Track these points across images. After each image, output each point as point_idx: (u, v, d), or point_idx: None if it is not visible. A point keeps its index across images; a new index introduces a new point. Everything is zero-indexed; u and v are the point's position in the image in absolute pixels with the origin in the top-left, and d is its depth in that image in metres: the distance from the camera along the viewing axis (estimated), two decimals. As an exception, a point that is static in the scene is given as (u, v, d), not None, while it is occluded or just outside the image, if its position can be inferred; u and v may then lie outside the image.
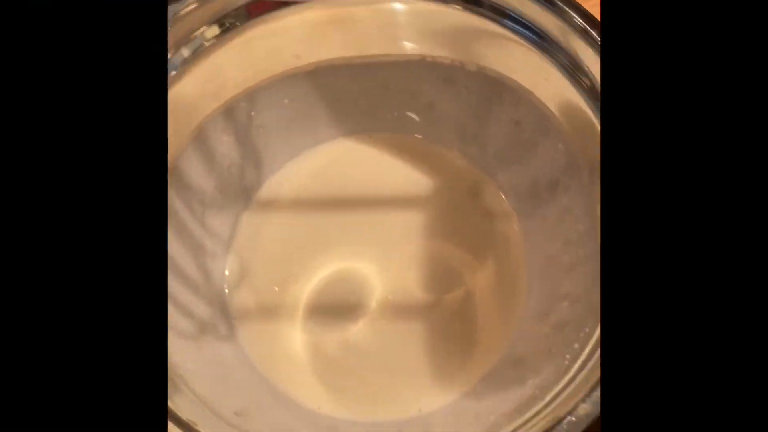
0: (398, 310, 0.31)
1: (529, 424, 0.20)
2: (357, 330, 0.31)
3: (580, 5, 0.25)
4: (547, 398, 0.21)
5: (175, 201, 0.29)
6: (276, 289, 0.32)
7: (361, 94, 0.33)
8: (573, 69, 0.26)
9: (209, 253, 0.32)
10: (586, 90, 0.26)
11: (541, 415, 0.20)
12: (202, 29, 0.28)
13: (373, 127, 0.34)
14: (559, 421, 0.19)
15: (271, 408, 0.29)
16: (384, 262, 0.32)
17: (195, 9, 0.27)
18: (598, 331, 0.22)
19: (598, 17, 0.25)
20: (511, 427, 0.21)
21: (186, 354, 0.26)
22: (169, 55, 0.27)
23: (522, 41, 0.27)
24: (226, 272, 0.32)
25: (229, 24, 0.28)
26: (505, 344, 0.30)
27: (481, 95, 0.31)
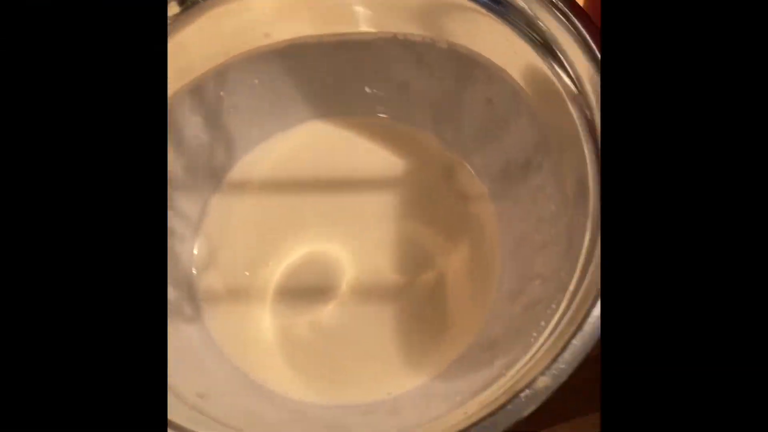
0: (369, 293, 0.31)
1: (489, 400, 0.20)
2: (327, 313, 0.30)
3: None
4: (509, 374, 0.21)
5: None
6: (245, 272, 0.32)
7: (333, 74, 0.33)
8: (542, 43, 0.25)
9: (178, 235, 0.31)
10: (555, 65, 0.25)
11: (501, 390, 0.20)
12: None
13: (346, 110, 0.34)
14: (517, 394, 0.19)
15: (235, 391, 0.28)
16: (356, 244, 0.32)
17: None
18: (563, 307, 0.22)
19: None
20: (472, 404, 0.21)
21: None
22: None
23: (491, 15, 0.26)
24: (195, 254, 0.32)
25: (190, 2, 0.28)
26: (478, 326, 0.29)
27: (453, 74, 0.31)
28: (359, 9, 0.30)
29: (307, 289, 0.31)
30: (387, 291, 0.31)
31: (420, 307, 0.30)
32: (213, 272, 0.32)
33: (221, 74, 0.31)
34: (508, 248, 0.30)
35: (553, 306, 0.23)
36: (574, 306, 0.21)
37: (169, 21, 0.28)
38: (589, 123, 0.23)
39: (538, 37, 0.26)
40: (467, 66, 0.30)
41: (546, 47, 0.26)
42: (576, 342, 0.19)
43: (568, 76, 0.24)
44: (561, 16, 0.25)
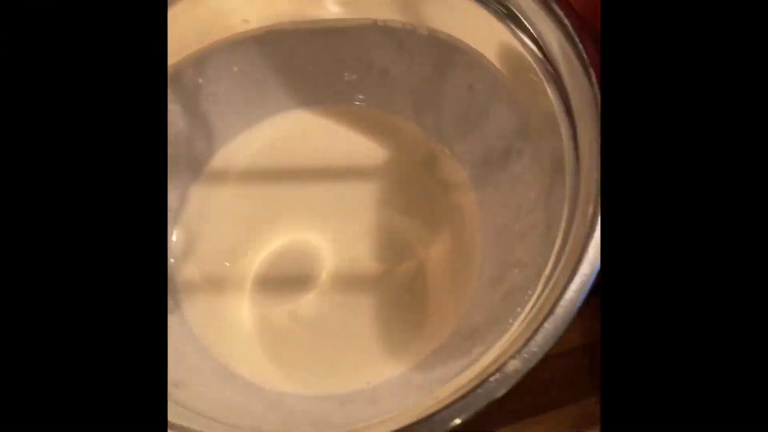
0: (349, 283, 0.31)
1: (460, 384, 0.20)
2: (306, 302, 0.30)
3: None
4: (482, 360, 0.20)
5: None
6: (224, 261, 0.31)
7: (313, 62, 0.32)
8: (518, 25, 0.25)
9: (156, 225, 0.31)
10: (532, 45, 0.25)
11: (473, 375, 0.20)
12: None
13: (327, 97, 0.33)
14: (487, 378, 0.18)
15: (211, 381, 0.28)
16: (336, 234, 0.32)
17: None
18: (538, 292, 0.21)
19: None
20: (444, 389, 0.20)
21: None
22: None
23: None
24: (173, 244, 0.31)
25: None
26: (458, 315, 0.29)
27: (433, 60, 0.30)
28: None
29: (286, 279, 0.31)
30: (367, 280, 0.31)
31: (400, 296, 0.30)
32: (191, 262, 0.31)
33: (199, 61, 0.30)
34: (488, 237, 0.30)
35: (530, 292, 0.23)
36: (547, 290, 0.21)
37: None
38: (566, 105, 0.23)
39: (514, 20, 0.25)
40: (447, 52, 0.29)
41: (522, 28, 0.25)
42: (548, 326, 0.19)
43: (545, 56, 0.24)
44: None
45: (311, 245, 0.31)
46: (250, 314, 0.30)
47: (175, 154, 0.32)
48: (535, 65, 0.25)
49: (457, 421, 0.18)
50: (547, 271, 0.22)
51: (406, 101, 0.32)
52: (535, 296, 0.21)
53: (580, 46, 0.22)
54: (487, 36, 0.27)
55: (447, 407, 0.19)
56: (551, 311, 0.19)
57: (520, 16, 0.25)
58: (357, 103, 0.33)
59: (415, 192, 0.32)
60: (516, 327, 0.21)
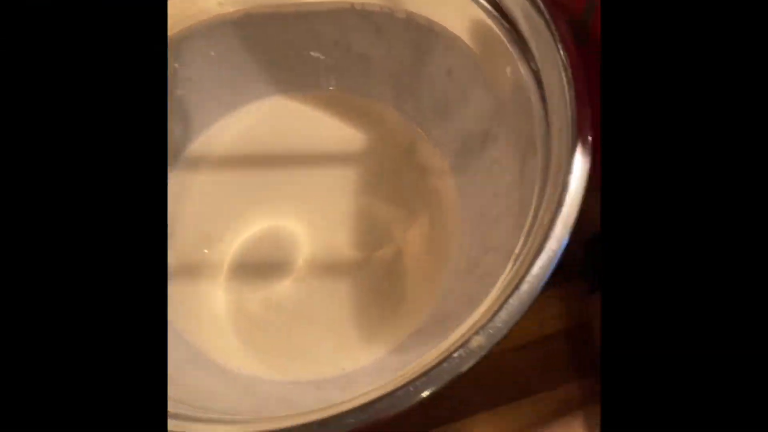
0: (326, 269, 0.30)
1: (426, 362, 0.19)
2: (282, 289, 0.30)
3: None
4: (451, 337, 0.20)
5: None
6: (200, 247, 0.31)
7: (291, 46, 0.32)
8: (491, 4, 0.25)
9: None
10: (509, 30, 0.25)
11: (439, 352, 0.19)
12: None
13: (305, 82, 0.33)
14: (450, 354, 0.18)
15: (185, 367, 0.27)
16: (314, 220, 0.31)
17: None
18: (507, 270, 0.21)
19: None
20: (411, 367, 0.20)
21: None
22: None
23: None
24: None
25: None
26: (435, 300, 0.29)
27: (412, 44, 0.30)
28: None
29: (262, 265, 0.31)
30: (344, 267, 0.30)
31: (377, 282, 0.30)
32: (168, 248, 0.31)
33: (174, 44, 0.30)
34: (467, 222, 0.30)
35: (501, 275, 0.22)
36: (515, 268, 0.20)
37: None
38: (537, 80, 0.23)
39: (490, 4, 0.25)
40: (425, 35, 0.29)
41: (493, 4, 0.25)
42: (513, 301, 0.19)
43: (516, 33, 0.24)
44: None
45: (288, 231, 0.31)
46: (225, 300, 0.30)
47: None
48: (506, 42, 0.24)
49: (422, 395, 0.18)
50: (516, 250, 0.21)
51: (385, 87, 0.32)
52: (503, 275, 0.21)
53: (549, 19, 0.22)
54: (461, 16, 0.27)
55: (410, 382, 0.18)
56: (516, 287, 0.19)
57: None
58: (335, 88, 0.33)
59: (393, 178, 0.32)
60: (484, 305, 0.21)
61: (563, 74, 0.22)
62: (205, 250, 0.31)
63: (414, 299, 0.29)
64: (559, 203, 0.20)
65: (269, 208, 0.32)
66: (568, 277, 0.30)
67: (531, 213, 0.22)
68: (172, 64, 0.31)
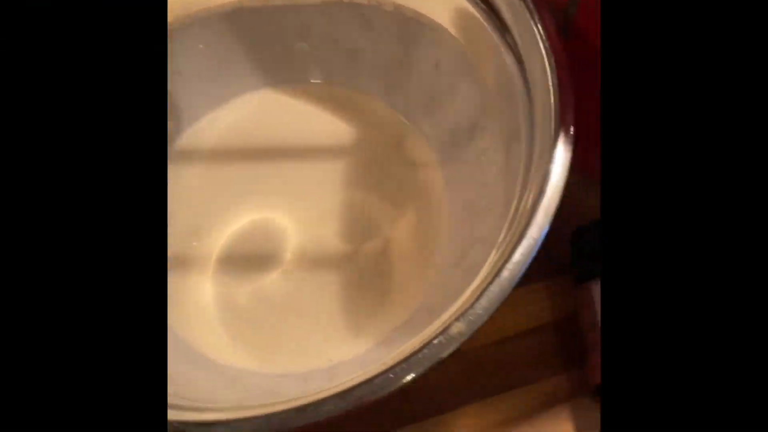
0: (314, 261, 0.30)
1: (407, 349, 0.19)
2: (270, 281, 0.30)
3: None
4: (433, 325, 0.20)
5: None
6: (188, 240, 0.31)
7: (280, 40, 0.32)
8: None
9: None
10: (492, 19, 0.25)
11: (420, 340, 0.19)
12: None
13: (295, 76, 0.33)
14: (430, 341, 0.18)
15: (172, 358, 0.27)
16: (303, 213, 0.31)
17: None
18: (489, 259, 0.21)
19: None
20: (393, 355, 0.20)
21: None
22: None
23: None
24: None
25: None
26: (422, 293, 0.29)
27: (400, 37, 0.30)
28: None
29: (250, 258, 0.31)
30: (332, 259, 0.30)
31: (365, 275, 0.30)
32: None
33: (163, 38, 0.30)
34: (454, 214, 0.30)
35: (485, 265, 0.22)
36: (497, 256, 0.20)
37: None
38: (522, 72, 0.23)
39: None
40: (413, 28, 0.29)
41: (485, 4, 0.25)
42: (493, 288, 0.19)
43: (500, 21, 0.24)
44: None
45: (276, 224, 0.31)
46: (213, 293, 0.30)
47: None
48: (490, 30, 0.24)
49: (403, 381, 0.18)
50: (500, 239, 0.21)
51: (374, 79, 0.32)
52: (486, 264, 0.21)
53: (533, 8, 0.22)
54: (447, 7, 0.27)
55: (390, 369, 0.18)
56: (497, 274, 0.19)
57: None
58: (323, 81, 0.33)
59: (382, 171, 0.32)
60: (466, 293, 0.21)
61: (546, 62, 0.22)
62: (194, 243, 0.31)
63: (402, 291, 0.29)
64: (541, 191, 0.20)
65: (258, 201, 0.32)
66: (558, 270, 0.30)
67: (514, 202, 0.22)
68: (161, 58, 0.30)
